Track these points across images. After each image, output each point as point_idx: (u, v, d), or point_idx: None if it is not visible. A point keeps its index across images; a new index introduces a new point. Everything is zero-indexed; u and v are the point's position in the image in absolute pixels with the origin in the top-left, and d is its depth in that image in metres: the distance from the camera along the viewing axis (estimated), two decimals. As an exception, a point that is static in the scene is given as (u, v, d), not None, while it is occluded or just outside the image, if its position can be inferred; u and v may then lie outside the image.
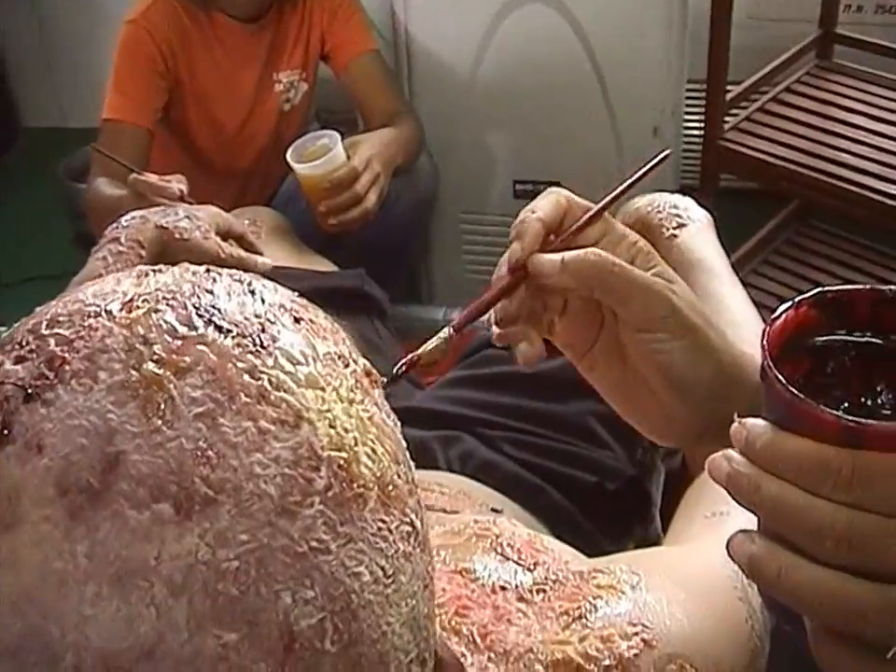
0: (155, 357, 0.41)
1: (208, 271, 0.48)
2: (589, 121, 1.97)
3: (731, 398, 0.67)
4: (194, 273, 0.47)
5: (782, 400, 0.45)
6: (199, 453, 0.39)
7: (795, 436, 0.45)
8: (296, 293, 0.50)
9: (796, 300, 0.49)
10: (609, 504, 1.10)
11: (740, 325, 0.99)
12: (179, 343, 0.42)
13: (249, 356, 0.43)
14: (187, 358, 0.41)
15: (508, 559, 0.72)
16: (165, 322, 0.42)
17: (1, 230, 2.84)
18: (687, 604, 0.68)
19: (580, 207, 0.70)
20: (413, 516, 0.46)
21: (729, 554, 0.48)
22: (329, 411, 0.43)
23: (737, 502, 0.48)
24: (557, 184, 2.04)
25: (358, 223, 1.55)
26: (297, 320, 0.46)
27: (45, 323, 0.43)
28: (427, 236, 2.20)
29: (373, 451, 0.44)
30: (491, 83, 2.01)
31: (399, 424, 0.49)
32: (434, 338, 0.68)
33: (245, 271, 1.21)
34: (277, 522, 0.40)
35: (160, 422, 0.39)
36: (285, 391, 0.42)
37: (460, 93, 2.04)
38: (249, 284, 0.47)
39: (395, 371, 0.66)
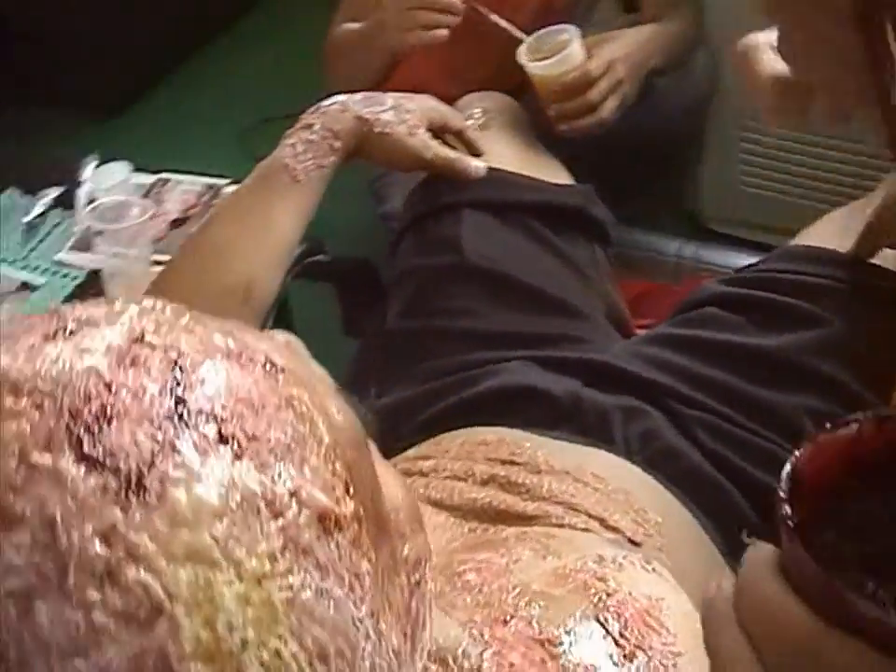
0: None
1: (138, 340, 0.36)
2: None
3: None
4: (107, 351, 0.35)
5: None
6: None
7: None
8: (257, 374, 0.38)
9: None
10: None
11: None
12: (22, 476, 0.31)
13: (112, 508, 0.31)
14: (22, 503, 0.30)
15: (608, 633, 0.58)
16: (19, 440, 0.31)
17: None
18: None
19: None
20: None
21: None
22: (211, 600, 0.31)
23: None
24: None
25: (590, 131, 1.36)
26: (222, 438, 0.34)
27: None
28: (699, 143, 1.97)
29: (277, 653, 0.32)
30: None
31: (356, 586, 0.36)
32: None
33: (456, 174, 1.10)
34: None
35: None
36: (146, 569, 0.31)
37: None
38: (178, 367, 0.35)
39: None
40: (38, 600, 0.30)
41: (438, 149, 1.12)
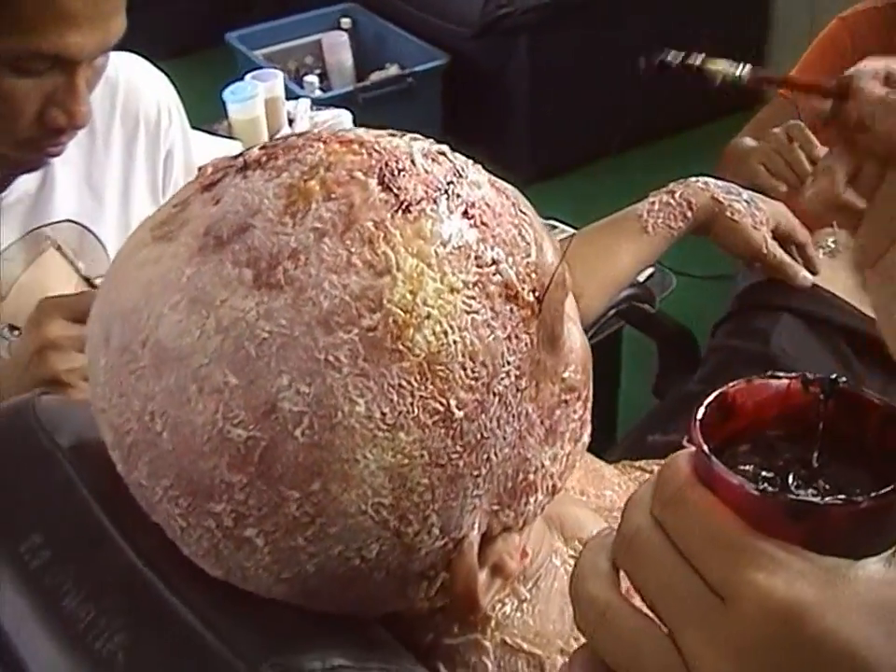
0: (323, 180, 0.51)
1: (442, 153, 0.56)
2: None
3: None
4: (422, 148, 0.56)
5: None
6: (295, 251, 0.49)
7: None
8: (504, 206, 0.55)
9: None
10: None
11: None
12: (347, 178, 0.52)
13: (386, 212, 0.51)
14: (340, 191, 0.51)
15: None
16: (353, 164, 0.53)
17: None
18: None
19: None
20: (454, 406, 0.49)
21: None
22: (419, 280, 0.49)
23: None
24: None
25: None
26: (466, 213, 0.53)
27: (311, 133, 0.56)
28: None
29: (445, 334, 0.49)
30: None
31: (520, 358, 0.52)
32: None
33: (784, 276, 1.26)
34: (314, 327, 0.48)
35: (290, 220, 0.50)
36: (391, 248, 0.49)
37: None
38: (458, 172, 0.55)
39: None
40: (326, 237, 0.49)
41: (775, 248, 1.25)
